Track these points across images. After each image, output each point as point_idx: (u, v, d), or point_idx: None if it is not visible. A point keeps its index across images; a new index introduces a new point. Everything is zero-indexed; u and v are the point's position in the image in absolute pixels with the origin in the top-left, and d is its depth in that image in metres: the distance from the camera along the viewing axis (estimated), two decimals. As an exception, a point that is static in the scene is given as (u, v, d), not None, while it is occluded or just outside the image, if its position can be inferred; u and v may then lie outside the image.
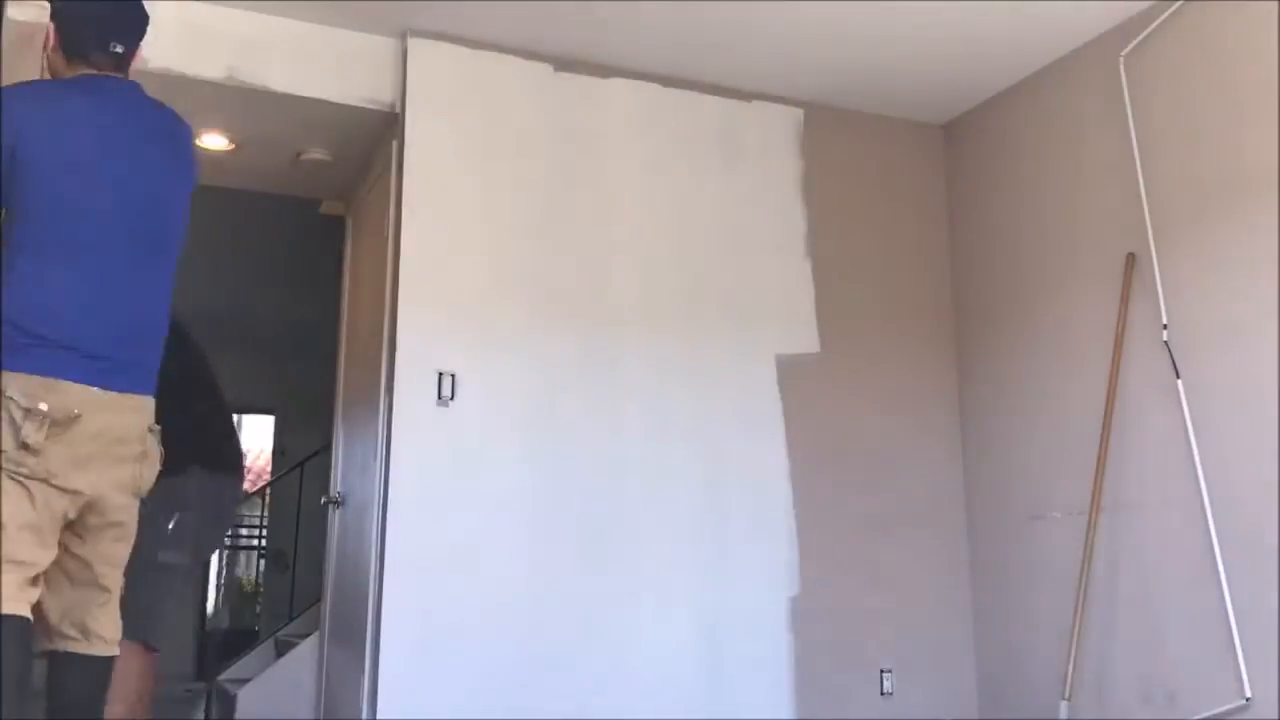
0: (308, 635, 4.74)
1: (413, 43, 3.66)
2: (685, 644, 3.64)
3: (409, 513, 3.38)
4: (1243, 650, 3.02)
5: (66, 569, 2.17)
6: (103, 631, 2.21)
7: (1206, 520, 3.15)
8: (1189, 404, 3.25)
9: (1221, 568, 3.10)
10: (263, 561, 9.50)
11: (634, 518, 3.64)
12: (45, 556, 2.08)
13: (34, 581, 2.08)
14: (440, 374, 3.48)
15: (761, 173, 4.08)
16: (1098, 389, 3.54)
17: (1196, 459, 3.21)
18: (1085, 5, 3.52)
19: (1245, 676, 3.01)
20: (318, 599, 4.88)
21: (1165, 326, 3.35)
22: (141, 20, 2.40)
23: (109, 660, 2.23)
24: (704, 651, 3.65)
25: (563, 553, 3.53)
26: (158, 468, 2.28)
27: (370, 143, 3.99)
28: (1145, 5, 3.50)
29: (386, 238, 3.69)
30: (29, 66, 3.29)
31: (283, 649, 5.02)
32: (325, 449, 4.72)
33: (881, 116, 4.34)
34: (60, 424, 2.05)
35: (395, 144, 3.67)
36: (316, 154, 4.12)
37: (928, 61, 3.90)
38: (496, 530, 3.46)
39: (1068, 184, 3.81)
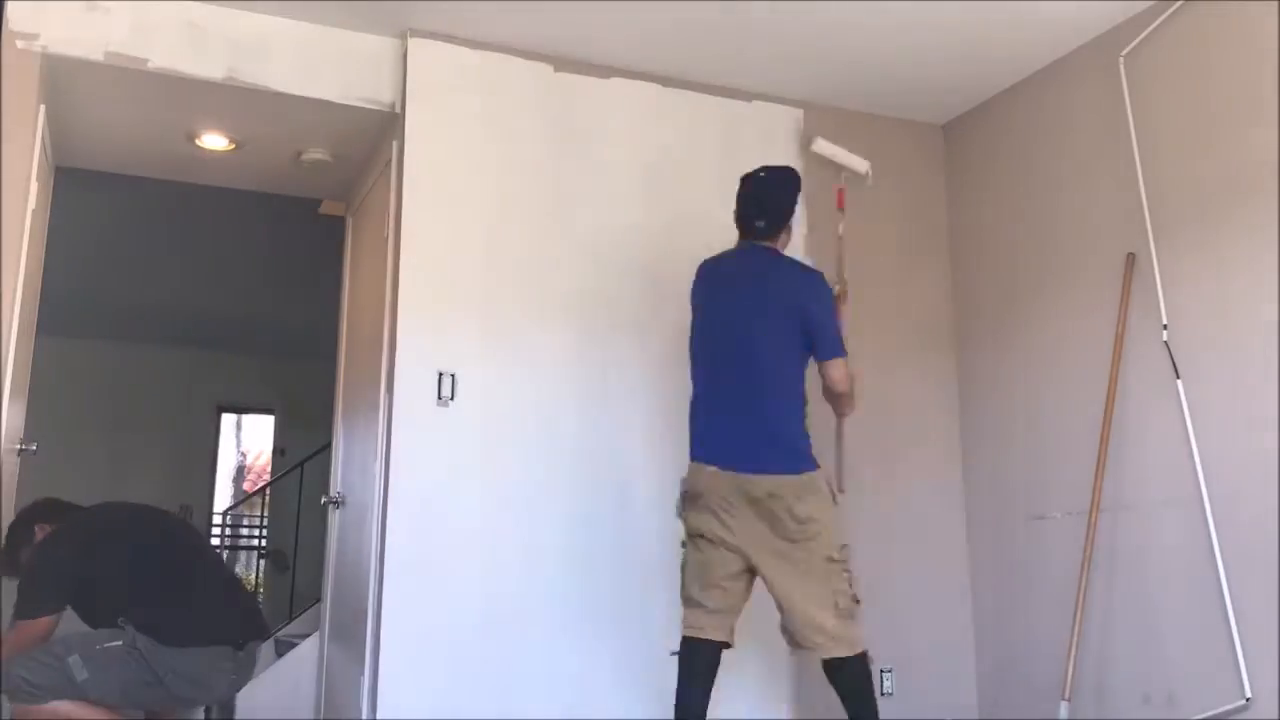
0: (308, 635, 4.75)
1: (413, 43, 3.66)
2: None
3: (409, 513, 3.38)
4: (1243, 650, 3.02)
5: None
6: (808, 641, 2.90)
7: (1206, 520, 3.15)
8: (1189, 404, 3.25)
9: (1221, 568, 3.10)
10: (263, 561, 9.50)
11: (634, 518, 3.64)
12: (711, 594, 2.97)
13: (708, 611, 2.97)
14: (440, 374, 3.48)
15: (761, 173, 4.08)
16: (1098, 389, 3.54)
17: (1196, 459, 3.21)
18: (1085, 5, 3.52)
19: (1245, 676, 3.01)
20: (318, 599, 4.88)
21: (1165, 326, 3.35)
22: (780, 206, 3.18)
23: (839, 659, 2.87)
24: (704, 651, 3.64)
25: (563, 553, 3.53)
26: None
27: (370, 143, 3.99)
28: (1145, 5, 3.50)
29: (386, 238, 3.69)
30: (25, 68, 3.32)
31: (283, 649, 5.02)
32: (325, 449, 4.73)
33: (881, 116, 4.34)
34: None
35: (395, 144, 3.67)
36: (316, 154, 4.12)
37: (928, 62, 3.90)
38: (496, 530, 3.46)
39: (1068, 184, 3.81)
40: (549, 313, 3.66)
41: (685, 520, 3.04)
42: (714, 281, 3.15)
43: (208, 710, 5.03)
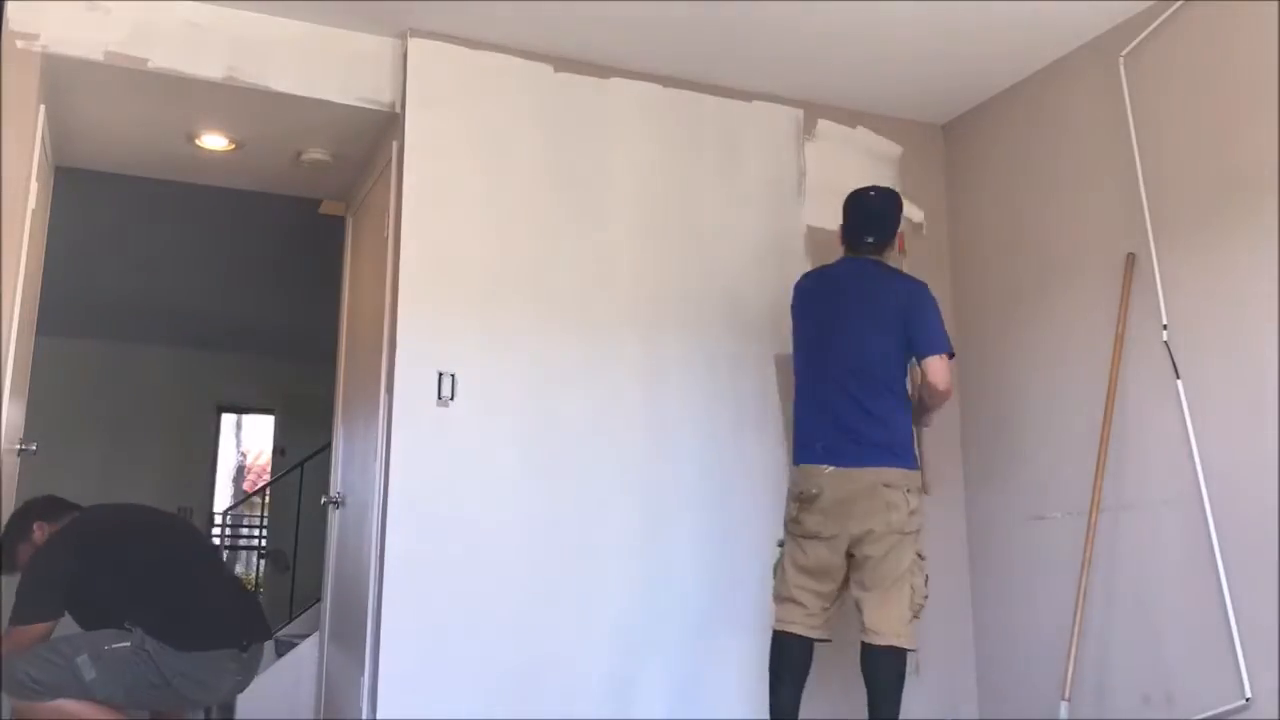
0: (308, 635, 4.75)
1: (413, 43, 3.66)
2: (686, 646, 3.63)
3: (409, 513, 3.38)
4: (1243, 650, 3.02)
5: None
6: (872, 626, 3.08)
7: (1206, 520, 3.15)
8: (1189, 404, 3.25)
9: (1221, 568, 3.10)
10: (263, 561, 9.50)
11: (634, 517, 3.64)
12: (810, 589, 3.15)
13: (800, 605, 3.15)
14: (440, 374, 3.48)
15: (761, 173, 4.08)
16: (1098, 389, 3.54)
17: (1196, 459, 3.21)
18: (1085, 5, 3.52)
19: (1245, 676, 3.01)
20: (318, 599, 4.88)
21: (1165, 326, 3.35)
22: (888, 223, 3.39)
23: (884, 648, 3.05)
24: (704, 653, 3.65)
25: (562, 553, 3.53)
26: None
27: (370, 143, 3.99)
28: (1145, 5, 3.50)
29: (386, 238, 3.69)
30: (25, 68, 3.32)
31: (283, 649, 5.02)
32: (325, 449, 4.73)
33: (881, 116, 4.34)
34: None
35: (395, 144, 3.67)
36: (316, 154, 4.12)
37: (928, 61, 3.90)
38: (496, 530, 3.46)
39: (1068, 184, 3.81)
40: (549, 312, 3.66)
41: (796, 521, 3.17)
42: (821, 292, 3.36)
43: (208, 710, 5.03)
